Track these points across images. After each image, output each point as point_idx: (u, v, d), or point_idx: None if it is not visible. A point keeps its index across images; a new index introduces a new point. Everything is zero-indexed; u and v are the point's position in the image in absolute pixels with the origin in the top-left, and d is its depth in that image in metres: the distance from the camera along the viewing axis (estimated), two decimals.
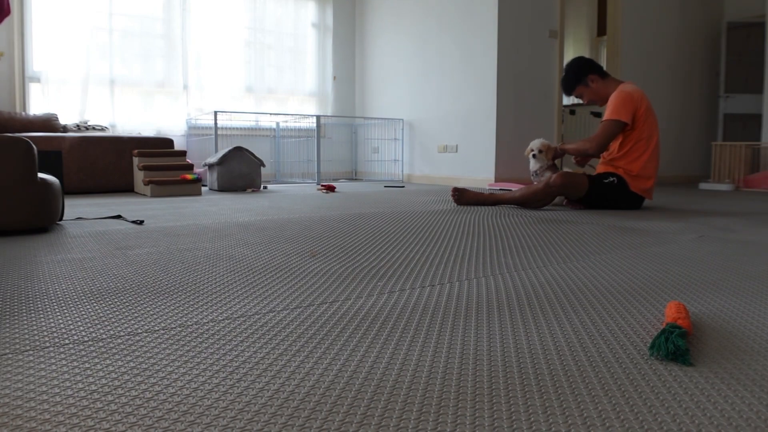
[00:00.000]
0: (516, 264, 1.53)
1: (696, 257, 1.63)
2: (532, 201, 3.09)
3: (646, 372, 0.76)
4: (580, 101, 5.12)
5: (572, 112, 6.50)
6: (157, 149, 4.63)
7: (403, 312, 1.05)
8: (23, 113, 4.80)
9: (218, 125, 5.69)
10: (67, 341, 0.87)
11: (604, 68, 6.47)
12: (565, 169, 3.26)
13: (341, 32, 6.95)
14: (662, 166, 6.38)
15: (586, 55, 7.60)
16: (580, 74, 3.20)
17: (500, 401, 0.66)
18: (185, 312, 1.04)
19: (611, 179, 3.03)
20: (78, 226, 2.34)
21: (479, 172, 5.36)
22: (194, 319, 0.99)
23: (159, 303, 1.10)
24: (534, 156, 3.35)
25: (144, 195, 4.22)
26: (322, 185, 4.78)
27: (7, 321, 0.98)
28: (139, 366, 0.77)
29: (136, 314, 1.02)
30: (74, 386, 0.70)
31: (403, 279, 1.33)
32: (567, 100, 6.92)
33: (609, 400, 0.67)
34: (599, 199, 3.06)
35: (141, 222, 2.43)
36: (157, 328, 0.94)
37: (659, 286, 1.27)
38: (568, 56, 7.23)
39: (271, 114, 6.07)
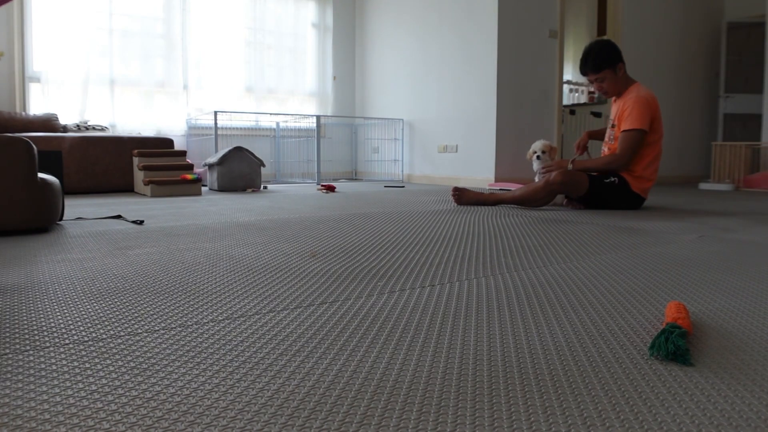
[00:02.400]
0: (516, 264, 1.53)
1: (696, 257, 1.63)
2: (532, 200, 3.09)
3: (646, 372, 0.76)
4: (580, 102, 5.08)
5: (572, 112, 6.50)
6: (157, 149, 4.63)
7: (403, 312, 1.05)
8: (23, 113, 4.80)
9: (218, 125, 5.69)
10: (67, 341, 0.87)
11: None
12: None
13: (341, 32, 6.95)
14: (662, 166, 6.38)
15: None
16: (614, 58, 3.06)
17: (500, 401, 0.66)
18: (185, 312, 1.04)
19: (612, 179, 3.03)
20: (78, 226, 2.34)
21: (479, 172, 5.36)
22: (194, 319, 0.99)
23: (159, 303, 1.10)
24: (538, 158, 3.33)
25: (144, 195, 4.22)
26: (322, 185, 4.78)
27: (7, 321, 0.98)
28: (139, 366, 0.77)
29: (136, 314, 1.02)
30: (74, 386, 0.70)
31: (403, 279, 1.33)
32: (567, 100, 6.91)
33: (609, 400, 0.67)
34: (600, 199, 3.06)
35: (141, 222, 2.43)
36: (157, 328, 0.94)
37: (659, 286, 1.27)
38: (568, 56, 7.23)
39: (271, 114, 6.07)
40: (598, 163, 3.07)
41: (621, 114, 3.07)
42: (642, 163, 3.03)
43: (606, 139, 3.26)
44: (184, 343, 0.87)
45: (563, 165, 3.11)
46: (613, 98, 3.22)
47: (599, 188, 3.03)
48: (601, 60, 3.07)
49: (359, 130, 7.04)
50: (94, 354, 0.82)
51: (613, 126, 3.16)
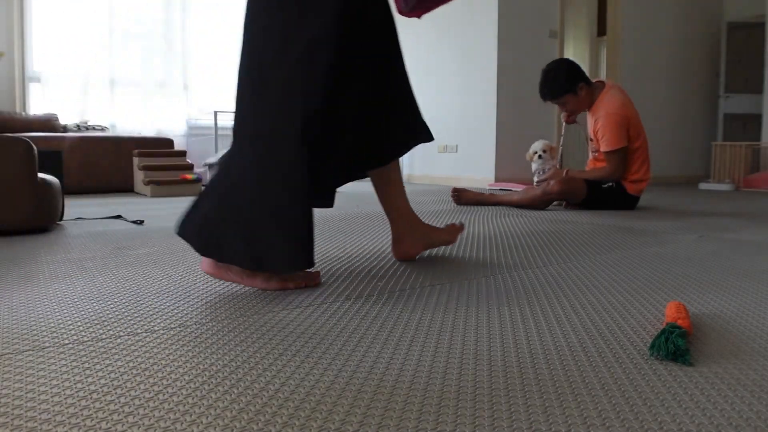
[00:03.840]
0: (516, 263, 1.53)
1: (696, 257, 1.63)
2: (529, 206, 3.07)
3: (646, 372, 0.76)
4: None
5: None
6: (157, 149, 4.63)
7: (404, 312, 1.05)
8: (23, 113, 4.80)
9: (218, 125, 5.69)
10: (67, 341, 0.87)
11: (604, 68, 6.46)
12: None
13: None
14: (662, 166, 6.38)
15: (586, 55, 7.60)
16: (573, 81, 2.99)
17: (500, 401, 0.66)
18: (185, 312, 1.04)
19: (609, 183, 3.03)
20: (78, 226, 2.34)
21: (479, 172, 5.35)
22: (194, 319, 0.99)
23: (159, 303, 1.10)
24: (540, 157, 3.32)
25: (144, 195, 4.22)
26: None
27: (7, 321, 0.98)
28: (139, 366, 0.77)
29: (136, 314, 1.02)
30: (74, 386, 0.70)
31: (403, 279, 1.33)
32: None
33: (609, 400, 0.67)
34: (597, 203, 3.06)
35: (141, 222, 2.43)
36: (157, 328, 0.94)
37: (659, 286, 1.27)
38: (568, 56, 7.22)
39: None
40: (592, 175, 3.05)
41: (595, 131, 3.04)
42: (633, 167, 3.04)
43: (590, 154, 3.26)
44: (184, 343, 0.87)
45: (559, 175, 3.07)
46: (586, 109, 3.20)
47: (597, 193, 3.03)
48: (559, 87, 3.00)
49: None
50: (94, 354, 0.82)
51: (591, 140, 3.15)
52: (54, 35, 5.14)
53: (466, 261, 1.57)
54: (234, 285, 1.26)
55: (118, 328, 0.94)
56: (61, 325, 0.95)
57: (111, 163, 4.56)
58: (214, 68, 5.98)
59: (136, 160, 4.41)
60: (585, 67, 7.16)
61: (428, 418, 0.62)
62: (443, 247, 1.77)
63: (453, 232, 1.61)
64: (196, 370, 0.76)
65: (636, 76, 6.08)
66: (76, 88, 5.25)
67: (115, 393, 0.68)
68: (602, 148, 3.00)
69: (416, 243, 1.54)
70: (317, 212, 2.86)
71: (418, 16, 1.52)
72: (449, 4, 1.51)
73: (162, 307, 1.08)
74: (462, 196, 3.25)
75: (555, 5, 5.40)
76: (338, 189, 4.88)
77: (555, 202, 3.19)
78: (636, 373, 0.75)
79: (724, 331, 0.93)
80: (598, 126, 3.01)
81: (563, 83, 3.00)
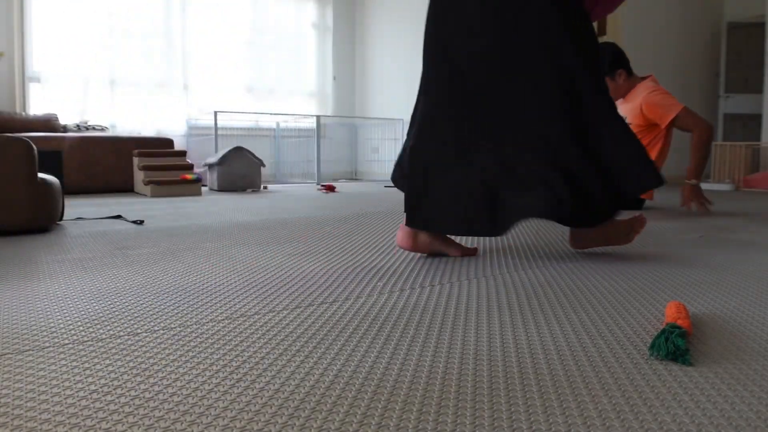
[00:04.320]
0: (516, 264, 1.53)
1: (696, 257, 1.63)
2: None
3: (646, 372, 0.76)
4: None
5: None
6: (157, 149, 4.64)
7: (403, 312, 1.05)
8: (23, 113, 4.80)
9: (218, 125, 5.69)
10: (67, 341, 0.87)
11: None
12: None
13: (341, 32, 6.95)
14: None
15: None
16: (613, 67, 2.99)
17: (500, 401, 0.66)
18: (185, 312, 1.04)
19: None
20: (78, 226, 2.34)
21: None
22: (194, 319, 0.99)
23: (159, 303, 1.10)
24: None
25: (144, 195, 4.22)
26: (322, 185, 4.78)
27: (7, 321, 0.98)
28: (139, 366, 0.77)
29: (136, 314, 1.02)
30: (74, 386, 0.70)
31: (403, 279, 1.33)
32: None
33: (609, 400, 0.67)
34: None
35: (141, 222, 2.43)
36: (157, 328, 0.94)
37: (659, 286, 1.27)
38: None
39: (271, 114, 6.07)
40: (699, 155, 2.93)
41: (640, 112, 2.98)
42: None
43: None
44: (184, 343, 0.87)
45: (699, 193, 2.87)
46: (620, 101, 3.19)
47: None
48: None
49: (359, 130, 7.04)
50: (94, 354, 0.82)
51: (629, 124, 3.11)
52: (54, 35, 5.14)
53: (466, 261, 1.57)
54: (232, 286, 1.26)
55: (118, 328, 0.94)
56: (61, 325, 0.95)
57: (111, 163, 4.56)
58: (214, 68, 5.99)
59: (136, 160, 4.41)
60: None
61: (428, 417, 0.62)
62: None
63: (465, 250, 1.68)
64: (196, 370, 0.76)
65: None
66: (76, 88, 5.26)
67: (115, 393, 0.68)
68: (668, 119, 2.94)
69: (425, 247, 1.64)
70: (317, 213, 2.86)
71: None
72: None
73: (162, 307, 1.08)
74: None
75: None
76: (338, 188, 4.89)
77: None
78: (636, 373, 0.75)
79: (724, 331, 0.93)
80: (641, 109, 2.96)
81: (604, 67, 3.00)
